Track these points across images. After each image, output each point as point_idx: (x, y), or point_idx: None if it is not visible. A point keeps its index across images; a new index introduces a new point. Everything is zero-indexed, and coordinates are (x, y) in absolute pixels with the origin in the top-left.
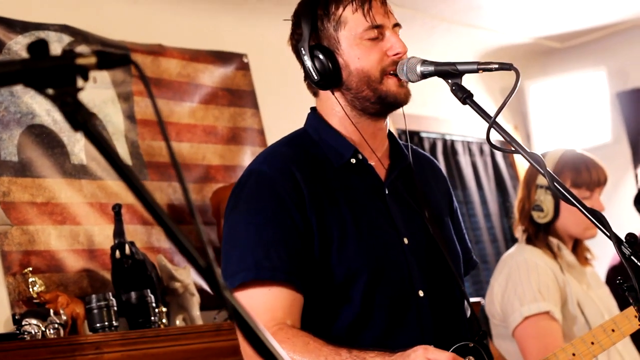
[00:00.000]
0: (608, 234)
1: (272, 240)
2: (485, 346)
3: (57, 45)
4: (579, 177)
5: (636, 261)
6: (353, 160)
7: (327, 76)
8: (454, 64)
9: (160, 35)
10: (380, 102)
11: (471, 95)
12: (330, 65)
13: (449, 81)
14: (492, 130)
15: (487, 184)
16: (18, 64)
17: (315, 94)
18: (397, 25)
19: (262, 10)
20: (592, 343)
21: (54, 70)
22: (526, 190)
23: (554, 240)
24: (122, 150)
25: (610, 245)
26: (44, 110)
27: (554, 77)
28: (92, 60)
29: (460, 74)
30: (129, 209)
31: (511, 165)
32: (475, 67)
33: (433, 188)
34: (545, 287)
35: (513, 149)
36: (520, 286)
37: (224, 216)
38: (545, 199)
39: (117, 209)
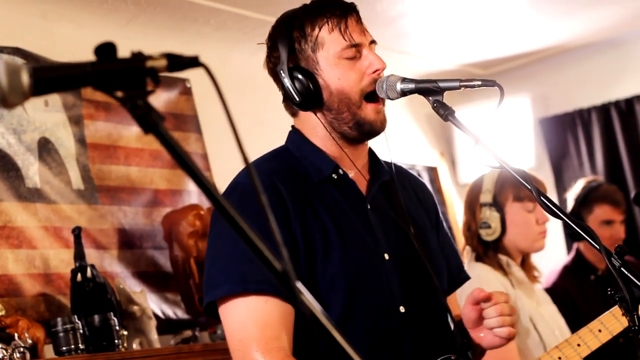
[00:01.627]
0: (597, 247)
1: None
2: (468, 358)
3: None
4: (521, 191)
5: (626, 272)
6: (334, 176)
7: (308, 97)
8: (435, 81)
9: None
10: (357, 129)
11: (453, 112)
12: (311, 86)
13: (430, 98)
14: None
15: None
16: (88, 66)
17: (294, 114)
18: (373, 42)
19: (203, 35)
20: (579, 345)
21: (123, 72)
22: (470, 211)
23: (503, 258)
24: (74, 174)
25: (548, 265)
26: None
27: (479, 103)
28: (163, 62)
29: (442, 91)
30: (82, 232)
31: (438, 191)
32: (457, 84)
33: (416, 203)
34: None
35: (499, 164)
36: None
37: (209, 230)
38: (492, 216)
39: (77, 232)
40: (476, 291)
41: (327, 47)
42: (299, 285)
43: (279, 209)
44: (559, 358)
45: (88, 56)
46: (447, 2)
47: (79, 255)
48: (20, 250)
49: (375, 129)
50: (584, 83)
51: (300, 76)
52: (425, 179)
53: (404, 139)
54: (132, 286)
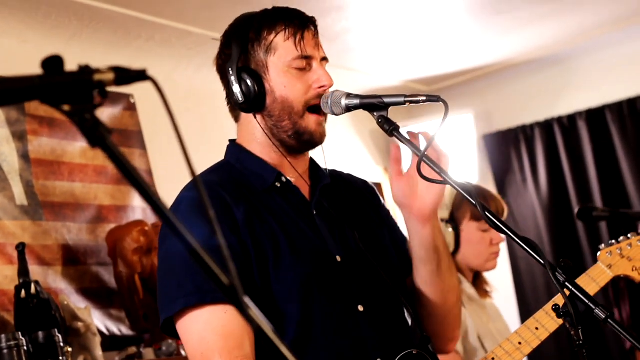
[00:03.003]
0: (542, 261)
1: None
2: (429, 351)
3: None
4: (478, 210)
5: (571, 287)
6: (278, 184)
7: (251, 99)
8: (380, 96)
9: None
10: (296, 138)
11: (398, 127)
12: (256, 88)
13: (375, 114)
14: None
15: None
16: (35, 79)
17: (237, 119)
18: (325, 59)
19: (147, 51)
20: (520, 343)
21: (71, 86)
22: None
23: None
24: (18, 190)
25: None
26: None
27: (423, 119)
28: (110, 76)
29: (387, 106)
30: (26, 249)
31: None
32: (402, 99)
33: (361, 203)
34: None
35: (442, 179)
36: None
37: (158, 248)
38: (446, 232)
39: (20, 248)
40: (394, 149)
41: (279, 53)
42: (247, 299)
43: (227, 219)
44: (493, 359)
45: (31, 71)
46: (391, 19)
47: (23, 271)
48: None
49: (314, 139)
50: (527, 99)
51: (247, 77)
52: (387, 190)
53: (348, 155)
54: (77, 302)
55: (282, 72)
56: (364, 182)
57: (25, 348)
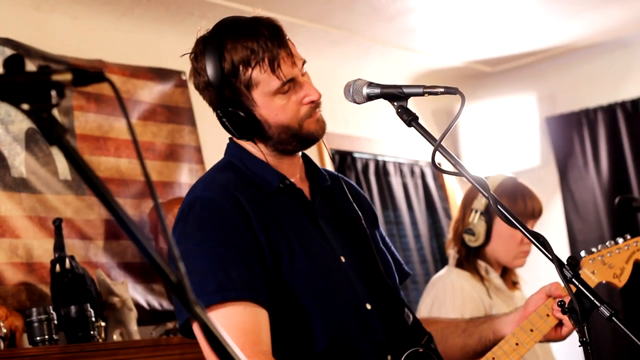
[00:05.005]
0: (550, 257)
1: (229, 261)
2: (434, 350)
3: None
4: (514, 207)
5: (577, 284)
6: (281, 185)
7: (247, 131)
8: (400, 86)
9: (101, 51)
10: (301, 143)
11: (416, 117)
12: (249, 121)
13: (395, 104)
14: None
15: (417, 205)
16: None
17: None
18: (304, 63)
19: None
20: (517, 344)
21: (29, 85)
22: (462, 212)
23: (482, 264)
24: (62, 165)
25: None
26: None
27: (485, 100)
28: (68, 77)
29: (406, 96)
30: (68, 223)
31: (441, 187)
32: (421, 90)
33: (354, 204)
34: (468, 310)
35: (457, 171)
36: (444, 308)
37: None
38: (478, 224)
39: (57, 223)
40: (554, 285)
41: (262, 86)
42: (193, 296)
43: (241, 217)
44: (493, 358)
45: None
46: None
47: (59, 246)
48: (3, 239)
49: (317, 137)
50: (591, 83)
51: (236, 113)
52: (428, 175)
53: (407, 135)
54: (118, 277)
55: (269, 101)
56: (357, 187)
57: (56, 322)
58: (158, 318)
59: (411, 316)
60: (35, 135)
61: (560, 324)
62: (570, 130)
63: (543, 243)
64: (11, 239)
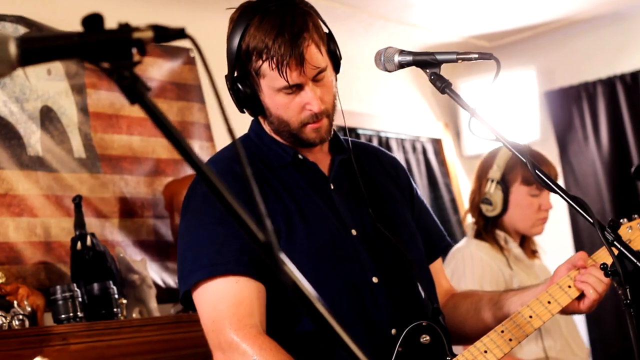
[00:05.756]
0: (591, 220)
1: (224, 237)
2: (439, 323)
3: None
4: (530, 175)
5: (619, 246)
6: (296, 160)
7: (251, 108)
8: (432, 53)
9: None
10: (297, 144)
11: (450, 84)
12: (253, 100)
13: (427, 71)
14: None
15: (419, 180)
16: (74, 37)
17: None
18: (320, 72)
19: (209, 5)
20: (531, 317)
21: (110, 43)
22: (478, 183)
23: (500, 234)
24: (76, 143)
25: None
26: (0, 101)
27: (484, 75)
28: (149, 34)
29: (439, 63)
30: (84, 201)
31: (443, 163)
32: (454, 56)
33: (385, 178)
34: (487, 281)
35: (494, 136)
36: (463, 279)
37: (180, 219)
38: (495, 193)
39: (77, 200)
40: (580, 255)
41: (268, 79)
42: (282, 255)
43: (240, 193)
44: (502, 331)
45: (67, 28)
46: None
47: (79, 223)
48: (21, 218)
49: (314, 144)
50: (590, 56)
51: (243, 89)
52: (430, 151)
53: (409, 111)
54: (133, 255)
55: (273, 95)
56: (395, 159)
57: (80, 299)
58: (174, 296)
59: (424, 291)
60: (49, 113)
61: (582, 296)
62: (570, 104)
63: (583, 206)
64: (29, 218)
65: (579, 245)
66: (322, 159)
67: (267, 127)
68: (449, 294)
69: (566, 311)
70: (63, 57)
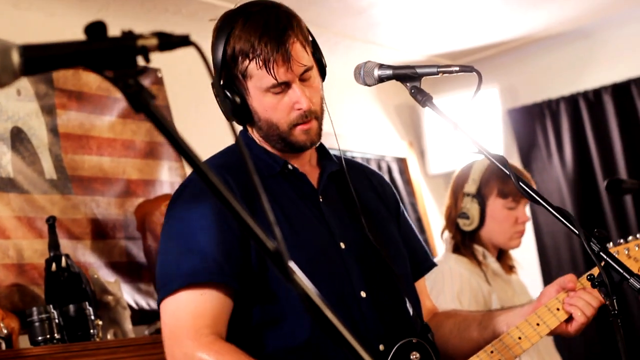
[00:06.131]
0: (576, 232)
1: (208, 245)
2: (429, 341)
3: None
4: (506, 187)
5: (605, 257)
6: (285, 171)
7: (239, 115)
8: (413, 67)
9: None
10: (287, 148)
11: (431, 97)
12: (241, 107)
13: (408, 84)
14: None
15: None
16: (77, 45)
17: None
18: (307, 71)
19: (175, 24)
20: (520, 338)
21: (114, 51)
22: (453, 198)
23: (479, 249)
24: (47, 164)
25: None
26: None
27: (448, 94)
28: (154, 41)
29: (419, 77)
30: (56, 222)
31: (408, 182)
32: (435, 70)
33: (372, 195)
34: (466, 297)
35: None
36: (442, 294)
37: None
38: (471, 207)
39: (51, 221)
40: (569, 277)
41: (255, 79)
42: (291, 264)
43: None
44: (492, 352)
45: None
46: None
47: (54, 244)
48: None
49: (305, 147)
50: (553, 74)
51: (230, 96)
52: (395, 170)
53: (373, 130)
54: (106, 276)
55: (261, 96)
56: (381, 177)
57: (57, 321)
58: (146, 317)
59: (412, 307)
60: (20, 134)
61: (570, 318)
62: (533, 122)
63: (568, 218)
64: (2, 240)
65: (544, 257)
66: (310, 171)
67: (255, 136)
68: (432, 312)
69: (553, 333)
70: (67, 65)
